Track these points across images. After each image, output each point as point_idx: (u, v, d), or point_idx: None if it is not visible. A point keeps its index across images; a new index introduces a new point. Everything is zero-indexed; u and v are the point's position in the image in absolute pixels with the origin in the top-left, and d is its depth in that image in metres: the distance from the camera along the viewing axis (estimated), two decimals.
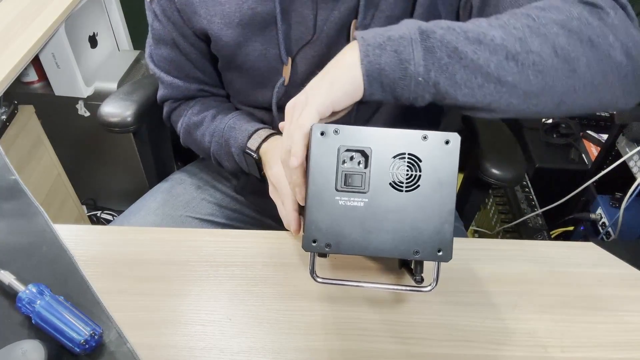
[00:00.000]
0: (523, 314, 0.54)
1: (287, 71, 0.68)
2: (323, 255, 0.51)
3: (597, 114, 1.46)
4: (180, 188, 0.88)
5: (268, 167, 0.65)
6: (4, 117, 1.19)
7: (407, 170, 0.46)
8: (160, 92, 0.81)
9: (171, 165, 1.04)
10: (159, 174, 0.98)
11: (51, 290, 0.50)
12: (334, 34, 0.66)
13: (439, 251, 0.46)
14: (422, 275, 0.50)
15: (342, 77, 0.48)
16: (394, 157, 0.46)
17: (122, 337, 0.50)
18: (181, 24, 0.70)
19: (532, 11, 0.51)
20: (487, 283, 0.57)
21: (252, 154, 0.68)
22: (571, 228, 1.33)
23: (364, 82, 0.48)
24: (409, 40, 0.47)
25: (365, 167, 0.46)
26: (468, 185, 0.91)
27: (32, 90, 1.41)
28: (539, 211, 1.37)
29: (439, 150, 0.46)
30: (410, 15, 0.65)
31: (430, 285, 0.48)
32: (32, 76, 1.40)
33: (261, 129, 0.70)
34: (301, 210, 0.55)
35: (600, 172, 1.21)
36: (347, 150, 0.46)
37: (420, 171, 0.46)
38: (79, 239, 0.61)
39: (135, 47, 1.65)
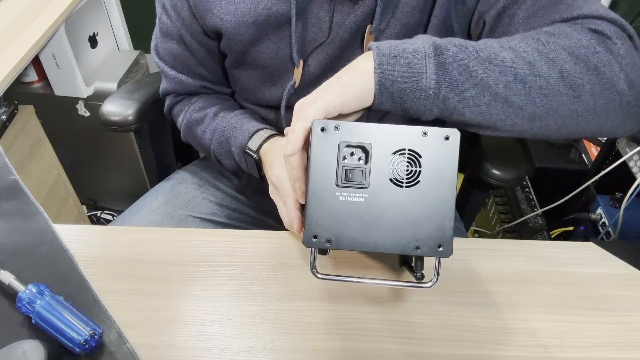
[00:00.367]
0: (523, 314, 0.54)
1: (298, 73, 0.69)
2: (323, 252, 0.51)
3: None
4: (181, 187, 0.88)
5: (269, 167, 0.65)
6: (4, 117, 1.19)
7: (407, 166, 0.46)
8: (163, 86, 0.81)
9: (172, 164, 1.05)
10: (160, 173, 0.98)
11: (51, 290, 0.50)
12: (348, 37, 0.66)
13: (439, 247, 0.46)
14: (423, 272, 0.50)
15: (355, 82, 0.49)
16: (394, 152, 0.46)
17: (122, 337, 0.50)
18: (190, 20, 0.70)
19: (542, 35, 0.52)
20: (487, 283, 0.57)
21: (252, 154, 0.68)
22: (571, 228, 1.33)
23: (375, 91, 0.49)
24: (423, 55, 0.48)
25: (366, 162, 0.46)
26: (469, 186, 0.91)
27: (32, 90, 1.41)
28: (539, 211, 1.37)
29: (439, 146, 0.46)
30: (426, 25, 0.65)
31: (431, 281, 0.48)
32: (32, 76, 1.40)
33: (262, 129, 0.71)
34: (302, 208, 0.55)
35: (600, 172, 1.21)
36: (348, 146, 0.46)
37: (420, 167, 0.46)
38: (79, 239, 0.61)
39: (135, 47, 1.65)
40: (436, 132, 0.46)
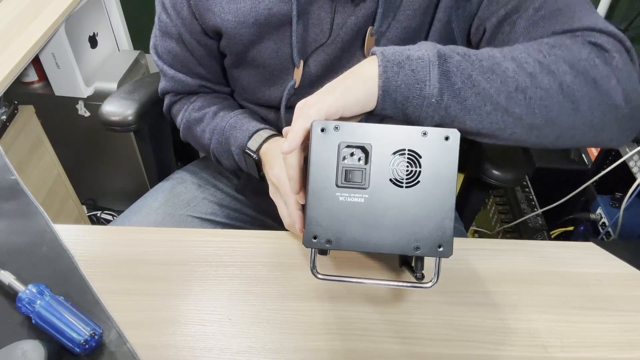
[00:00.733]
0: (523, 314, 0.54)
1: (298, 74, 0.69)
2: (323, 252, 0.51)
3: None
4: (181, 187, 0.88)
5: (269, 167, 0.65)
6: (4, 117, 1.19)
7: (407, 166, 0.46)
8: (162, 85, 0.81)
9: (172, 164, 1.05)
10: (160, 173, 0.98)
11: (51, 290, 0.50)
12: (349, 38, 0.66)
13: (439, 247, 0.46)
14: (423, 272, 0.50)
15: (358, 86, 0.49)
16: (394, 153, 0.46)
17: (122, 337, 0.50)
18: (190, 19, 0.70)
19: (543, 47, 0.53)
20: (487, 283, 0.57)
21: (252, 154, 0.68)
22: (571, 228, 1.33)
23: (378, 96, 0.49)
24: (427, 62, 0.49)
25: (366, 163, 0.46)
26: (468, 186, 0.91)
27: (32, 90, 1.41)
28: (539, 211, 1.37)
29: (439, 146, 0.46)
30: (428, 29, 0.66)
31: (431, 281, 0.48)
32: (32, 76, 1.40)
33: (262, 129, 0.71)
34: (302, 208, 0.55)
35: (600, 172, 1.21)
36: (348, 146, 0.46)
37: (420, 167, 0.46)
38: (79, 239, 0.61)
39: (135, 47, 1.65)
40: (436, 133, 0.46)
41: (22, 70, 1.05)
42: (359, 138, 0.46)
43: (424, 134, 0.46)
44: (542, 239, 1.33)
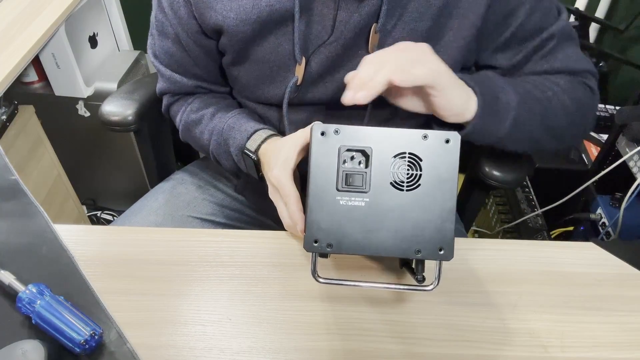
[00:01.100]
0: (523, 314, 0.54)
1: (300, 70, 0.68)
2: (324, 255, 0.51)
3: (598, 114, 1.46)
4: (181, 188, 0.88)
5: (268, 168, 0.65)
6: (4, 117, 1.19)
7: (408, 170, 0.46)
8: (159, 85, 0.81)
9: (172, 164, 1.04)
10: (160, 173, 0.98)
11: (51, 290, 0.50)
12: (352, 36, 0.65)
13: (440, 250, 0.46)
14: (424, 274, 0.50)
15: (462, 102, 0.60)
16: (395, 156, 0.46)
17: (122, 337, 0.50)
18: (187, 19, 0.69)
19: (546, 84, 0.67)
20: (487, 283, 0.57)
21: (251, 155, 0.68)
22: (571, 228, 1.33)
23: (468, 125, 0.61)
24: (508, 108, 0.63)
25: (366, 166, 0.46)
26: (469, 187, 0.91)
27: (32, 90, 1.41)
28: (539, 211, 1.37)
29: (440, 149, 0.46)
30: (440, 36, 0.67)
31: (432, 284, 0.48)
32: (32, 76, 1.40)
33: (261, 129, 0.70)
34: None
35: (600, 172, 1.21)
36: (348, 150, 0.46)
37: (420, 170, 0.46)
38: (79, 239, 0.61)
39: (135, 47, 1.65)
40: (436, 136, 0.46)
41: (22, 70, 1.05)
42: (359, 141, 0.46)
43: (425, 137, 0.46)
44: (542, 239, 1.33)
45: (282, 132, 0.76)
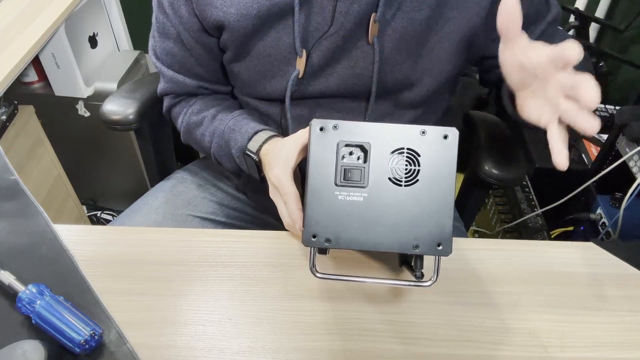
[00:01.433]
0: (523, 314, 0.54)
1: (301, 63, 0.68)
2: (323, 251, 0.51)
3: (598, 114, 1.46)
4: (182, 187, 0.88)
5: (269, 168, 0.65)
6: (4, 117, 1.19)
7: (406, 165, 0.46)
8: (161, 86, 0.81)
9: (172, 164, 1.05)
10: (160, 173, 0.98)
11: (51, 290, 0.50)
12: (352, 27, 0.66)
13: (438, 245, 0.46)
14: (422, 271, 0.50)
15: None
16: (393, 152, 0.46)
17: (122, 337, 0.50)
18: (188, 17, 0.69)
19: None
20: (487, 283, 0.57)
21: (253, 156, 0.68)
22: (571, 228, 1.33)
23: None
24: None
25: (365, 162, 0.46)
26: (468, 186, 0.91)
27: (32, 90, 1.41)
28: (539, 211, 1.37)
29: (438, 144, 0.46)
30: (437, 23, 0.67)
31: (430, 279, 0.48)
32: (32, 76, 1.40)
33: (262, 130, 0.70)
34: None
35: (600, 172, 1.21)
36: (346, 145, 0.46)
37: (419, 166, 0.46)
38: (79, 239, 0.61)
39: (135, 47, 1.65)
40: (435, 131, 0.46)
41: (22, 70, 1.05)
42: (357, 137, 0.46)
43: (423, 132, 0.46)
44: (542, 239, 1.33)
45: (284, 129, 0.76)
